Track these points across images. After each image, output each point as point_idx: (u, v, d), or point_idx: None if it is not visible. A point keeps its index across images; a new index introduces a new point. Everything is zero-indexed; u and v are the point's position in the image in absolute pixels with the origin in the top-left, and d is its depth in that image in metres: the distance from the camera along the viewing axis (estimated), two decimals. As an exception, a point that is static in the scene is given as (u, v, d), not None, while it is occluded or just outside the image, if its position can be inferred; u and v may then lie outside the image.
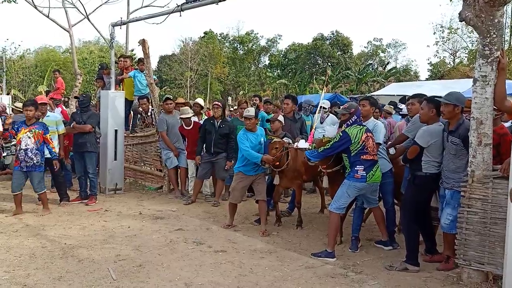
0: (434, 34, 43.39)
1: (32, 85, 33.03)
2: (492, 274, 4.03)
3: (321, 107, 7.43)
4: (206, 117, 8.36)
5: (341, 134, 4.83)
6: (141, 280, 4.10)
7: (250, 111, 5.92)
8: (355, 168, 4.74)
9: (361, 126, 4.86)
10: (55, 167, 6.79)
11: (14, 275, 4.17)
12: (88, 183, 7.46)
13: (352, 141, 4.73)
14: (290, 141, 6.10)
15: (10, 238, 5.33)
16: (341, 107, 5.45)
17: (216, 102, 7.63)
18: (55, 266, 4.43)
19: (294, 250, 5.09)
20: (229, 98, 28.96)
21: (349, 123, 4.87)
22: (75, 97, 7.85)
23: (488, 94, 3.98)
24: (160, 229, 5.83)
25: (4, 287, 3.91)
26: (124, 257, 4.69)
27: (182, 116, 7.87)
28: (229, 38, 47.88)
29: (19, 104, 9.39)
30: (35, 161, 6.34)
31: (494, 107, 4.04)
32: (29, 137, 6.35)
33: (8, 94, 25.94)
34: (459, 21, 4.17)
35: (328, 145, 4.89)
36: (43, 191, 6.53)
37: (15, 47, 35.17)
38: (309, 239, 5.54)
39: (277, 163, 5.74)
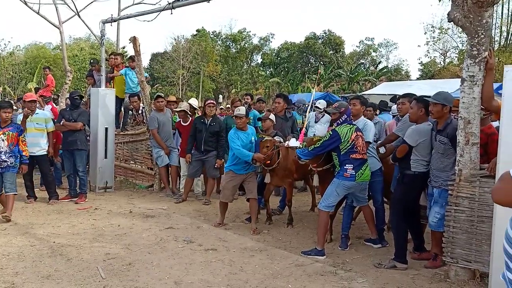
0: (425, 34, 43.77)
1: (22, 82, 32.63)
2: (479, 271, 4.08)
3: (316, 106, 7.42)
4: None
5: (331, 133, 4.85)
6: (131, 278, 4.09)
7: (241, 110, 5.92)
8: (345, 167, 4.77)
9: (351, 125, 4.89)
10: (20, 171, 6.48)
11: (2, 273, 4.14)
12: (78, 181, 7.41)
13: (342, 140, 4.75)
14: (281, 140, 6.11)
15: (-2, 237, 5.29)
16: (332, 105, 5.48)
17: (211, 101, 7.57)
18: (44, 264, 4.40)
19: (284, 248, 5.11)
20: (220, 96, 28.76)
21: (339, 122, 4.90)
22: (79, 95, 7.69)
23: (476, 94, 4.02)
24: (150, 227, 5.81)
25: (-9, 285, 3.88)
26: (113, 256, 4.67)
27: (175, 110, 7.91)
28: (222, 36, 47.72)
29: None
30: (9, 163, 6.18)
31: (482, 106, 4.09)
32: (3, 140, 6.16)
33: (-3, 91, 25.66)
34: (448, 21, 4.22)
35: (318, 144, 4.91)
36: (13, 192, 6.19)
37: (4, 44, 35.02)
38: (299, 237, 5.57)
39: (268, 161, 5.75)
